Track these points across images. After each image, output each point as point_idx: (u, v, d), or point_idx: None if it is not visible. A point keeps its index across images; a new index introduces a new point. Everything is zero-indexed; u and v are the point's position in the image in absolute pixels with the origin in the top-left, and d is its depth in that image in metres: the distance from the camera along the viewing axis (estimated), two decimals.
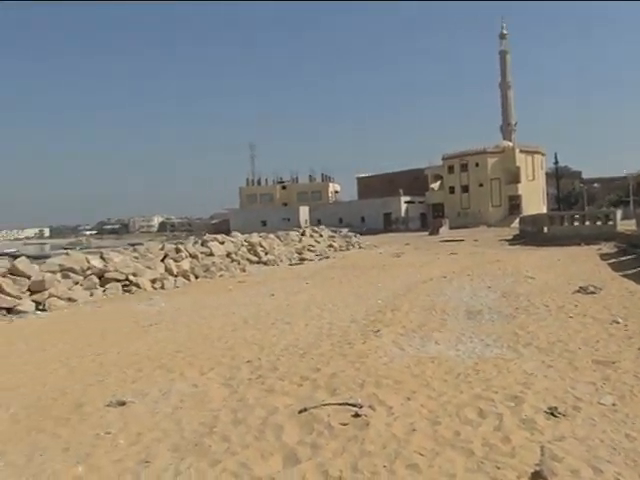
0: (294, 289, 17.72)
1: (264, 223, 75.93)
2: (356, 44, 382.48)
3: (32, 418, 6.45)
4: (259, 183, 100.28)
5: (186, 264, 23.35)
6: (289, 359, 8.21)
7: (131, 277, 19.81)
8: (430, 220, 73.97)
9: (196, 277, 23.04)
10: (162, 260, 22.67)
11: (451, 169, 80.00)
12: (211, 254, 25.86)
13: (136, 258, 22.18)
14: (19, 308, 16.10)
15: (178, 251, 23.87)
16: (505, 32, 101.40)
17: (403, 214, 77.95)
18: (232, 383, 7.10)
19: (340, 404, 5.88)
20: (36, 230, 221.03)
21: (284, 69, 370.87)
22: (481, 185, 76.92)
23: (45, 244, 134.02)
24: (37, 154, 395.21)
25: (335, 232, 46.67)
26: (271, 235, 34.98)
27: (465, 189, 78.46)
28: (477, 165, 77.40)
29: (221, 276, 23.84)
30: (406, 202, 78.75)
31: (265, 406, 6.06)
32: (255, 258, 28.82)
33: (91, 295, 18.57)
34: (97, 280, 19.27)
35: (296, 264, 29.44)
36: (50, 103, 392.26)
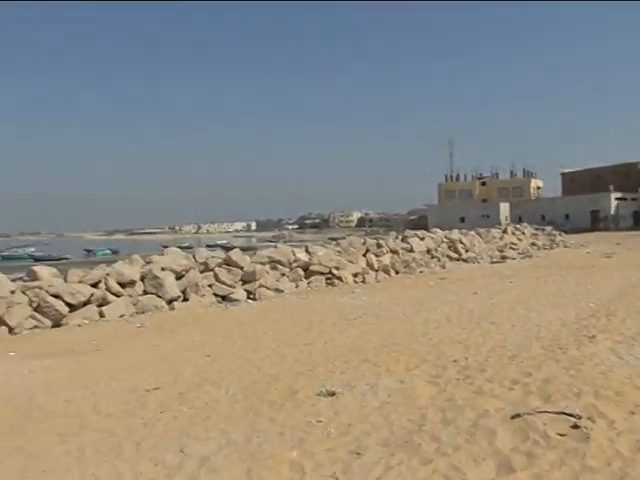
0: (497, 288, 17.20)
1: (462, 219, 74.53)
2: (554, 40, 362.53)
3: (249, 400, 6.85)
4: (457, 179, 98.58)
5: (387, 259, 23.61)
6: (497, 361, 7.95)
7: (334, 270, 20.40)
8: None
9: (396, 272, 23.20)
10: (364, 255, 23.11)
11: None
12: (411, 250, 25.90)
13: (339, 252, 22.81)
14: (232, 296, 17.25)
15: (379, 246, 24.18)
16: None
17: (613, 212, 72.58)
18: (439, 381, 7.02)
19: (556, 413, 5.57)
20: (244, 224, 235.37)
21: (484, 63, 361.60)
22: None
23: (252, 237, 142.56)
24: (247, 155, 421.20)
25: (538, 230, 44.68)
26: (471, 232, 34.29)
27: None
28: None
29: (421, 272, 23.78)
30: (617, 199, 73.13)
31: (475, 408, 5.90)
32: (455, 255, 28.43)
33: (296, 287, 19.41)
34: (302, 272, 20.09)
35: (497, 262, 28.58)
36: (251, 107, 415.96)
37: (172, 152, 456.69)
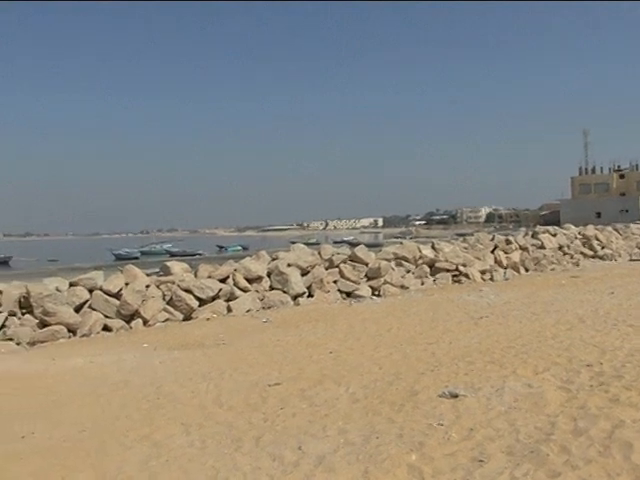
0: (637, 287, 16.09)
1: (598, 215, 70.96)
2: None
3: (369, 399, 6.74)
4: (593, 172, 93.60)
5: (516, 256, 22.76)
6: (636, 367, 7.35)
7: (461, 267, 19.93)
8: None
9: (526, 270, 22.36)
10: (492, 251, 22.41)
11: None
12: (542, 247, 24.82)
13: (465, 249, 22.26)
14: (357, 293, 17.25)
15: (508, 242, 23.35)
16: None
17: None
18: (570, 387, 6.58)
19: None
20: (371, 220, 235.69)
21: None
22: None
23: (379, 233, 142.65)
24: (374, 151, 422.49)
25: None
26: (608, 228, 32.39)
27: None
28: None
29: (552, 270, 22.77)
30: None
31: (610, 418, 5.46)
32: (590, 252, 26.95)
33: (422, 284, 19.12)
34: (428, 269, 19.77)
35: (637, 260, 26.86)
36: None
37: (299, 150, 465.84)
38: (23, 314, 13.49)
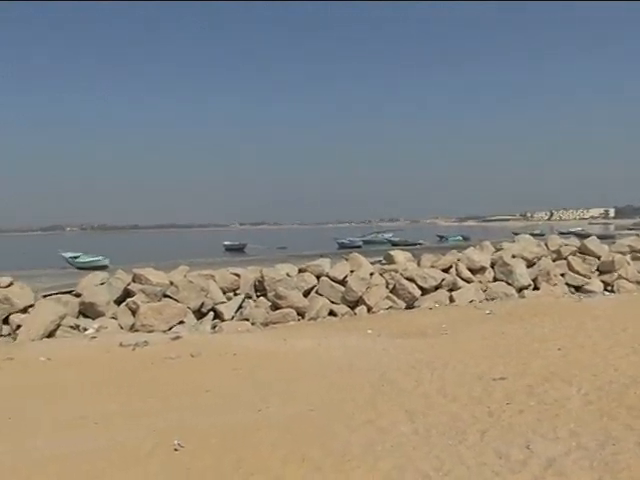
0: None
1: None
2: None
3: (604, 402, 6.32)
4: None
5: None
6: None
7: None
8: None
9: None
10: None
11: None
12: None
13: None
14: (587, 287, 16.30)
15: None
16: None
17: None
18: None
19: None
20: (601, 210, 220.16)
21: None
22: None
23: (609, 224, 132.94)
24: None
25: None
26: None
27: None
28: None
29: None
30: None
31: None
32: None
33: None
34: None
35: None
36: None
37: (520, 136, 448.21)
38: (258, 297, 14.53)
